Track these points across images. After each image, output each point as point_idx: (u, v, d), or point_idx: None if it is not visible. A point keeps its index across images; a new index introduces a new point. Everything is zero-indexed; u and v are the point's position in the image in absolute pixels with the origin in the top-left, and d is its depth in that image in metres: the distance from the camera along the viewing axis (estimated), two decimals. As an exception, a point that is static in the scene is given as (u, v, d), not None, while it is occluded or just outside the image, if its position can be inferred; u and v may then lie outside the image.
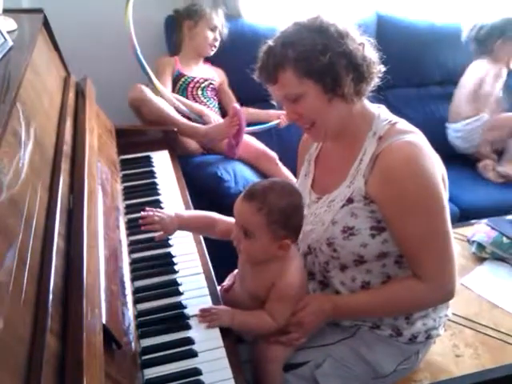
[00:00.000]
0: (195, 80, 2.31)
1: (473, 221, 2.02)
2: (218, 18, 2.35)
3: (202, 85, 2.33)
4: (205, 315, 1.18)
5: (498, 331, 1.55)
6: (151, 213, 1.28)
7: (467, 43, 2.67)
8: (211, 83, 2.37)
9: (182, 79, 2.31)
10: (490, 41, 2.58)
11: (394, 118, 1.23)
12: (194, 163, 2.12)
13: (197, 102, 2.30)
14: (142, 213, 1.30)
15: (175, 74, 2.31)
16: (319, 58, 1.10)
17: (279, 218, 1.14)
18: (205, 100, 2.33)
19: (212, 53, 2.35)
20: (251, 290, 1.26)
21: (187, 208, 1.58)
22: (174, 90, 2.31)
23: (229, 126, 2.03)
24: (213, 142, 2.14)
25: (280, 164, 2.21)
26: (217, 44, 2.34)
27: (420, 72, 2.79)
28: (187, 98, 2.30)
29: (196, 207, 1.61)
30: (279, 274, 1.21)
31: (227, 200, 1.88)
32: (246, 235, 1.16)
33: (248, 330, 1.27)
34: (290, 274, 1.22)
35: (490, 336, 1.53)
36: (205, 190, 2.00)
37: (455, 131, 2.68)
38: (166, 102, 2.09)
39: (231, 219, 1.26)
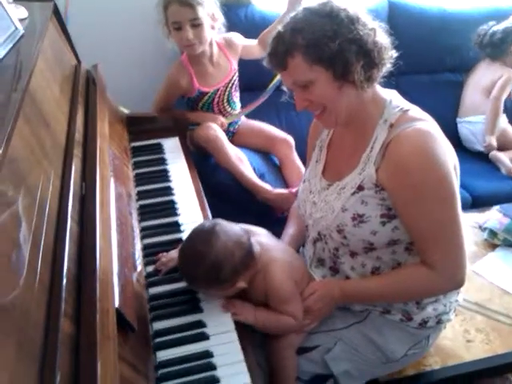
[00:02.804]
0: (219, 91, 2.07)
1: (485, 207, 2.01)
2: (180, 10, 1.87)
3: (227, 92, 2.09)
4: (229, 309, 1.19)
5: (509, 317, 1.55)
6: (164, 259, 1.29)
7: (478, 48, 2.67)
8: (234, 80, 2.12)
9: (206, 97, 2.06)
10: (505, 45, 2.58)
11: (406, 105, 1.21)
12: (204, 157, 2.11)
13: (223, 115, 2.12)
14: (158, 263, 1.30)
15: (195, 94, 2.04)
16: (329, 44, 1.08)
17: (213, 281, 1.16)
18: (230, 110, 2.15)
19: (198, 50, 1.96)
20: (253, 299, 1.28)
21: (198, 194, 1.58)
22: (195, 109, 2.11)
23: (288, 203, 1.85)
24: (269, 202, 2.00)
25: (295, 151, 2.17)
26: (197, 40, 1.92)
27: (432, 58, 2.76)
28: (214, 113, 2.10)
29: (206, 194, 1.62)
30: (265, 283, 1.24)
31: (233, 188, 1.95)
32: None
33: (270, 329, 1.26)
34: (273, 277, 1.24)
35: (501, 322, 1.54)
36: (211, 178, 2.01)
37: (471, 124, 2.67)
38: (237, 153, 2.02)
39: None
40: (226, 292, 1.21)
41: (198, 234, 1.21)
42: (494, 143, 2.56)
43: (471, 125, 2.66)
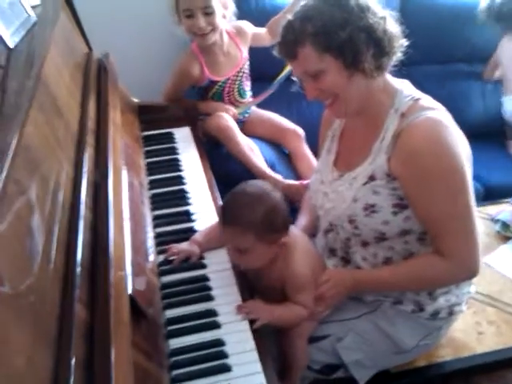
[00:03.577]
0: (230, 81, 2.05)
1: (497, 199, 2.00)
2: None
3: (238, 81, 2.07)
4: (242, 311, 1.16)
5: (521, 309, 1.54)
6: (174, 250, 1.28)
7: (488, 24, 2.60)
8: (245, 69, 2.10)
9: (216, 86, 2.03)
10: None
11: (418, 94, 1.21)
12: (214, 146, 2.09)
13: (234, 106, 2.09)
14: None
15: (205, 83, 2.02)
16: (338, 32, 1.08)
17: (266, 229, 1.16)
18: (241, 99, 2.12)
19: (211, 40, 1.93)
20: (267, 286, 1.28)
21: (210, 184, 1.58)
22: (205, 98, 2.08)
23: (298, 194, 1.83)
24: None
25: (305, 143, 2.15)
26: (209, 28, 1.90)
27: (445, 48, 2.73)
28: (224, 102, 2.08)
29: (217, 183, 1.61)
30: (284, 266, 1.23)
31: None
32: (242, 252, 1.19)
33: (286, 322, 1.25)
34: (294, 264, 1.24)
35: (513, 314, 1.53)
36: (222, 168, 2.00)
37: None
38: (248, 143, 2.01)
39: None
40: (268, 248, 1.19)
41: (254, 183, 1.23)
42: None
43: None
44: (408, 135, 1.14)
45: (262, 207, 1.16)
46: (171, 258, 1.27)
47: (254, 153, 2.00)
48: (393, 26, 1.14)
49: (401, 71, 1.23)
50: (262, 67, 2.10)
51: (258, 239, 1.16)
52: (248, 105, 2.16)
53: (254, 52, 2.14)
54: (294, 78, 1.24)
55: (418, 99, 1.18)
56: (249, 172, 1.95)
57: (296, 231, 1.34)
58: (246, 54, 2.11)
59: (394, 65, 1.18)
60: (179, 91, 2.06)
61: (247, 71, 2.13)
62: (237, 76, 2.07)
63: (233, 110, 2.06)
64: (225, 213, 1.19)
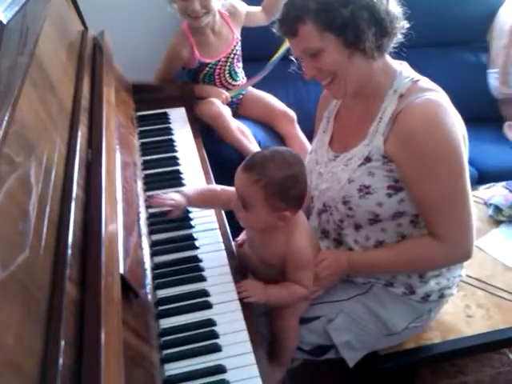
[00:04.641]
0: (220, 62, 2.02)
1: (491, 183, 2.00)
2: None
3: (228, 62, 2.05)
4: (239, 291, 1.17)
5: (511, 293, 1.55)
6: (161, 200, 1.27)
7: None
8: (237, 51, 2.07)
9: (207, 68, 2.02)
10: None
11: (416, 76, 1.21)
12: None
13: (225, 87, 2.08)
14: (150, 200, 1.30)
15: (196, 65, 2.01)
16: (341, 10, 1.07)
17: (277, 191, 1.12)
18: (232, 81, 2.10)
19: (204, 22, 1.91)
20: (262, 258, 1.27)
21: (203, 165, 1.58)
22: (196, 80, 2.07)
23: None
24: None
25: (297, 125, 2.16)
26: (203, 11, 1.87)
27: (445, 32, 2.72)
28: (215, 85, 2.07)
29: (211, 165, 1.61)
30: (286, 243, 1.21)
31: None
32: (244, 206, 1.16)
33: (282, 302, 1.25)
34: (297, 241, 1.22)
35: (503, 298, 1.54)
36: (216, 151, 1.99)
37: None
38: (240, 127, 2.02)
39: (232, 189, 1.23)
40: (268, 214, 1.15)
41: (294, 153, 1.21)
42: None
43: None
44: (406, 116, 1.14)
45: (287, 171, 1.13)
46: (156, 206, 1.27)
47: (247, 137, 2.01)
48: (395, 7, 1.14)
49: (400, 53, 1.23)
50: (255, 48, 2.09)
51: (264, 198, 1.13)
52: (241, 87, 2.15)
53: (246, 32, 2.11)
54: (292, 58, 1.23)
55: (417, 81, 1.18)
56: (242, 156, 1.94)
57: (299, 211, 1.34)
58: (237, 35, 2.08)
59: (393, 47, 1.18)
60: (170, 73, 2.04)
61: (239, 52, 2.10)
62: (228, 58, 2.05)
63: (225, 93, 2.04)
64: (250, 159, 1.16)
